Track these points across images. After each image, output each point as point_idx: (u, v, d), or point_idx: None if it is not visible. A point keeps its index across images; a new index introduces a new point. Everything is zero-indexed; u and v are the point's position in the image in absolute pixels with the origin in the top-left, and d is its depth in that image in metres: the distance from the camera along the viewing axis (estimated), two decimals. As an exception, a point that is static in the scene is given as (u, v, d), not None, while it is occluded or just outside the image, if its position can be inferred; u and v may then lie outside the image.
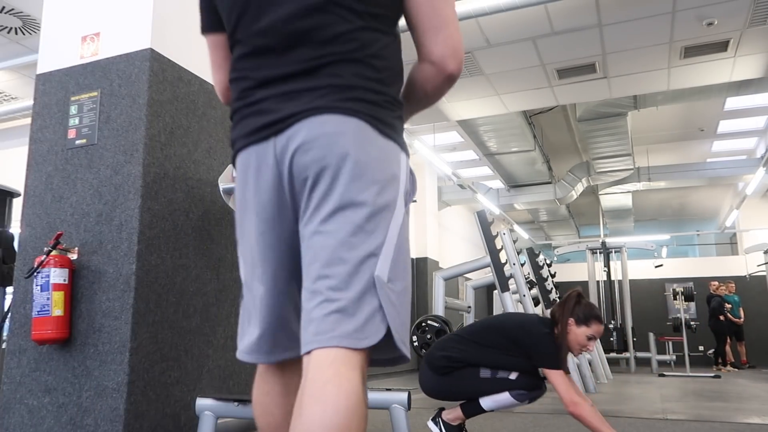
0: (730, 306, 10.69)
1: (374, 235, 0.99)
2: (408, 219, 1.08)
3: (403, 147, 1.09)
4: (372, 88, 1.05)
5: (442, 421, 2.62)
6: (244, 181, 1.09)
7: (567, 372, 2.43)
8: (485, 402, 2.52)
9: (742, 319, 10.67)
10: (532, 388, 2.52)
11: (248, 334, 1.11)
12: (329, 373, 0.91)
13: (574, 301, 2.53)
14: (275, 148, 1.04)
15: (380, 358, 1.03)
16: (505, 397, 2.52)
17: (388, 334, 0.97)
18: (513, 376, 2.53)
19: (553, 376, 2.39)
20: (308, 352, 0.96)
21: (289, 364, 1.14)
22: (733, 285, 10.90)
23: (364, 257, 0.97)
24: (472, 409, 2.56)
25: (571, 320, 2.50)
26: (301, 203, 1.04)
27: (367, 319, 0.95)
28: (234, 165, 1.15)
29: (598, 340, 7.54)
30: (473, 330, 2.64)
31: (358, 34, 1.05)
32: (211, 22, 1.20)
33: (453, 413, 2.61)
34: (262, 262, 1.08)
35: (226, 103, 1.26)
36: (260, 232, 1.08)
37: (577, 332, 2.47)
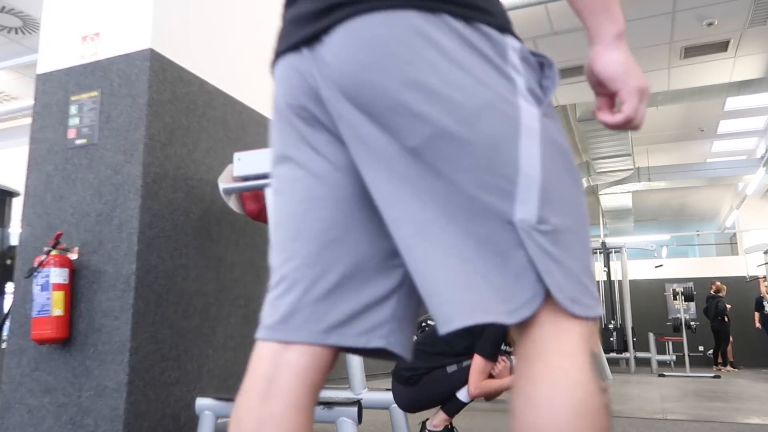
0: (731, 306, 10.69)
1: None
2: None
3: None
4: None
5: (429, 431, 2.63)
6: None
7: (494, 361, 2.56)
8: (462, 394, 2.54)
9: None
10: (495, 362, 2.60)
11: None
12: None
13: None
14: None
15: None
16: None
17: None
18: None
19: (478, 359, 2.53)
20: None
21: None
22: None
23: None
24: (453, 407, 2.58)
25: None
26: None
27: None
28: None
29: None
30: (428, 334, 2.74)
31: None
32: None
33: (437, 418, 2.62)
34: None
35: None
36: None
37: None
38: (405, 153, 0.72)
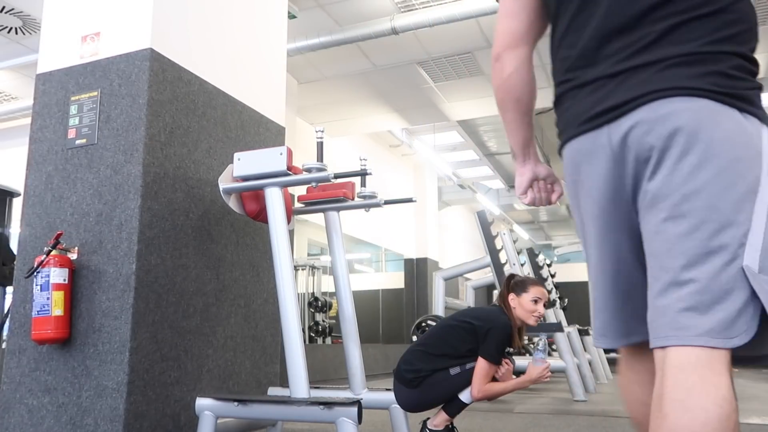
0: None
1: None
2: None
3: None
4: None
5: (429, 430, 2.63)
6: None
7: (498, 365, 2.55)
8: (465, 395, 2.54)
9: None
10: (499, 365, 2.60)
11: (597, 319, 1.17)
12: (693, 379, 0.88)
13: (507, 281, 2.74)
14: None
15: (748, 355, 0.94)
16: None
17: (763, 331, 0.90)
18: None
19: (482, 363, 2.52)
20: (662, 347, 0.94)
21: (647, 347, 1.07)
22: None
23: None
24: (454, 407, 2.58)
25: (511, 295, 2.67)
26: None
27: (737, 315, 0.89)
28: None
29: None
30: (432, 335, 2.70)
31: None
32: None
33: (438, 418, 2.62)
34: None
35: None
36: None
37: (521, 302, 2.65)
38: (667, 203, 0.94)
